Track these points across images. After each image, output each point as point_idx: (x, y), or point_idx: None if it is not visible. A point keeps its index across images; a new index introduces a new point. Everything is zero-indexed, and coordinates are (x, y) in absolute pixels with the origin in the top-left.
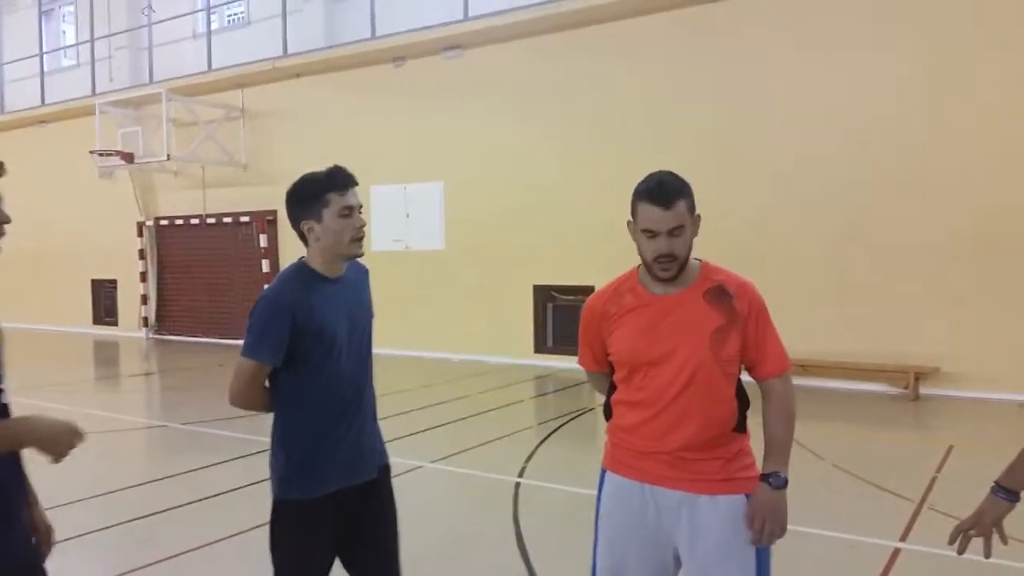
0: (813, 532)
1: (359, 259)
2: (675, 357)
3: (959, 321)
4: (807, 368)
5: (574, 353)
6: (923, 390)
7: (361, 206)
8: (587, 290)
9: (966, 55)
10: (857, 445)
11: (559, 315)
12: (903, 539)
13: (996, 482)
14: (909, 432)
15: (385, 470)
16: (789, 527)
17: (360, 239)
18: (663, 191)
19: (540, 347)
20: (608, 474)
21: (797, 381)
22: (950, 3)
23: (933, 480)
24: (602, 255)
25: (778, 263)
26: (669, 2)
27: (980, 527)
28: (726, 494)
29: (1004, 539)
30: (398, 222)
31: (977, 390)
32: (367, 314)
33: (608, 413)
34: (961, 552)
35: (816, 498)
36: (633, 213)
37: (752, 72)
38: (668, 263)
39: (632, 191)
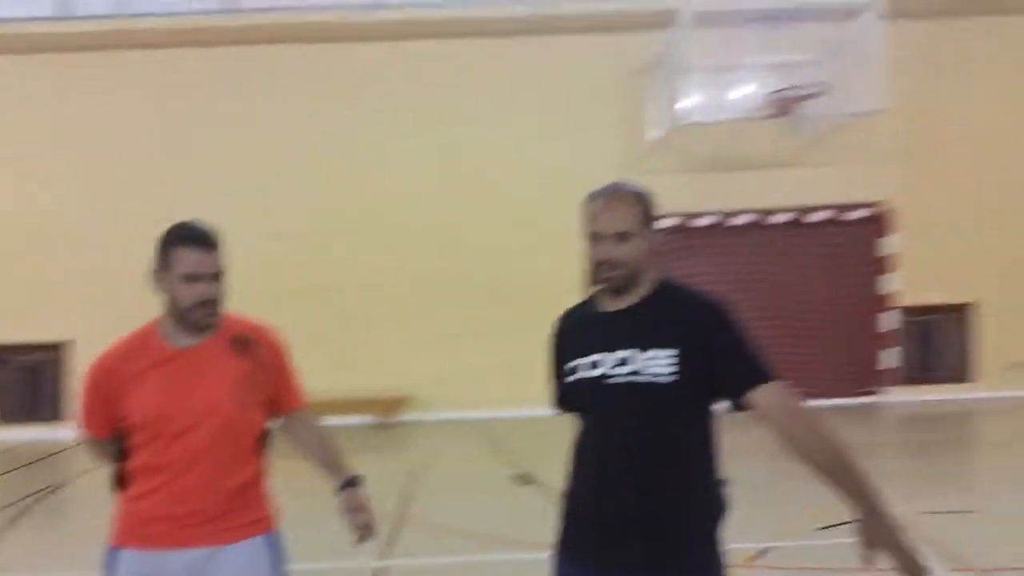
0: (309, 567)
1: None
2: (200, 411)
3: (427, 353)
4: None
5: (33, 421)
6: (398, 417)
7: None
8: (49, 347)
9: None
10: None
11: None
12: (385, 557)
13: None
14: (387, 455)
15: None
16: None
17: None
18: (206, 235)
19: None
20: (123, 552)
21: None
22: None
23: (409, 497)
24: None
25: (263, 301)
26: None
27: None
28: (247, 538)
29: None
30: None
31: (442, 413)
32: None
33: (120, 483)
34: None
35: (306, 531)
36: (168, 260)
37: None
38: (212, 308)
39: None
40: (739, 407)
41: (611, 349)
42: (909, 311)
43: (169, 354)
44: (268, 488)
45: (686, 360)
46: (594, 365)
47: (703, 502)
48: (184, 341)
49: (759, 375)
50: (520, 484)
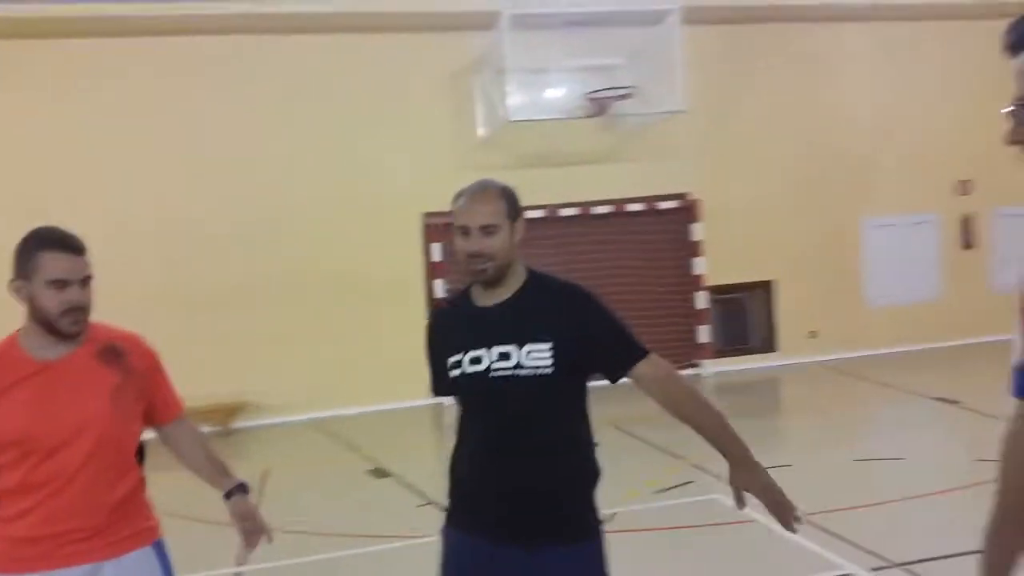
0: None
1: None
2: (74, 425)
3: (261, 357)
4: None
5: None
6: (237, 424)
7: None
8: None
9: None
10: (179, 485)
11: None
12: (241, 564)
13: None
14: (231, 464)
15: None
16: None
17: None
18: (72, 239)
19: None
20: None
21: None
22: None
23: (258, 503)
24: None
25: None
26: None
27: None
28: (135, 549)
29: None
30: None
31: (282, 416)
32: None
33: None
34: None
35: None
36: (32, 266)
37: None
38: (80, 315)
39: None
40: (614, 381)
41: (491, 344)
42: (717, 290)
43: (34, 368)
44: (148, 497)
45: (561, 350)
46: (477, 360)
47: (581, 472)
48: (49, 353)
49: (636, 352)
50: (376, 478)
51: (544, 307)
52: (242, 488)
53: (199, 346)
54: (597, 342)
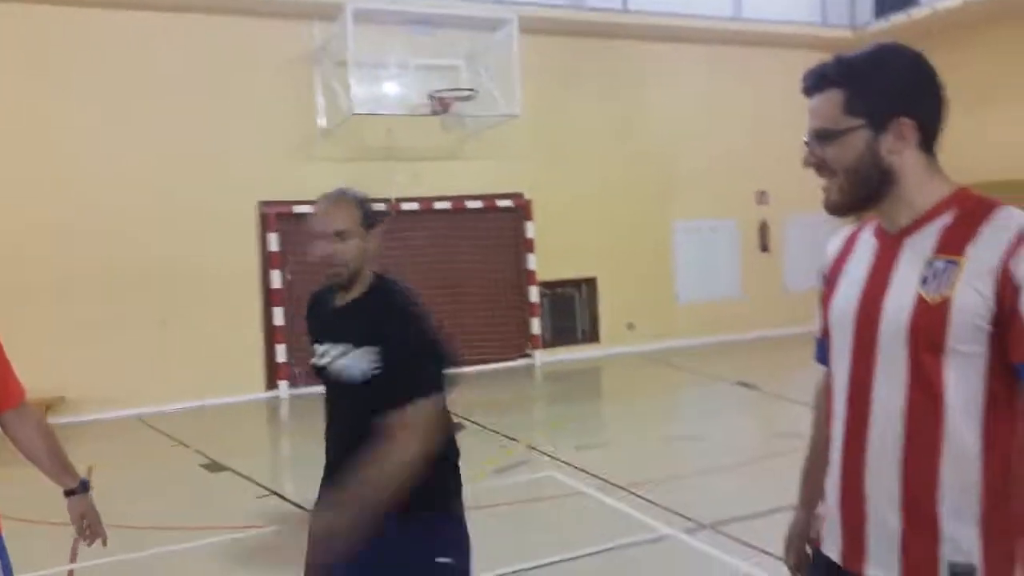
0: None
1: None
2: None
3: (80, 350)
4: None
5: None
6: (53, 419)
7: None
8: None
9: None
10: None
11: None
12: (73, 560)
13: None
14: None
15: None
16: None
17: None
18: None
19: None
20: None
21: None
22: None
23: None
24: None
25: None
26: None
27: None
28: None
29: None
30: None
31: (105, 411)
32: None
33: None
34: None
35: None
36: None
37: None
38: None
39: None
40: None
41: (335, 341)
42: (547, 285)
43: None
44: None
45: (385, 357)
46: (323, 354)
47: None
48: None
49: (412, 391)
50: (211, 472)
51: (375, 315)
52: (84, 487)
53: (14, 339)
54: (395, 362)
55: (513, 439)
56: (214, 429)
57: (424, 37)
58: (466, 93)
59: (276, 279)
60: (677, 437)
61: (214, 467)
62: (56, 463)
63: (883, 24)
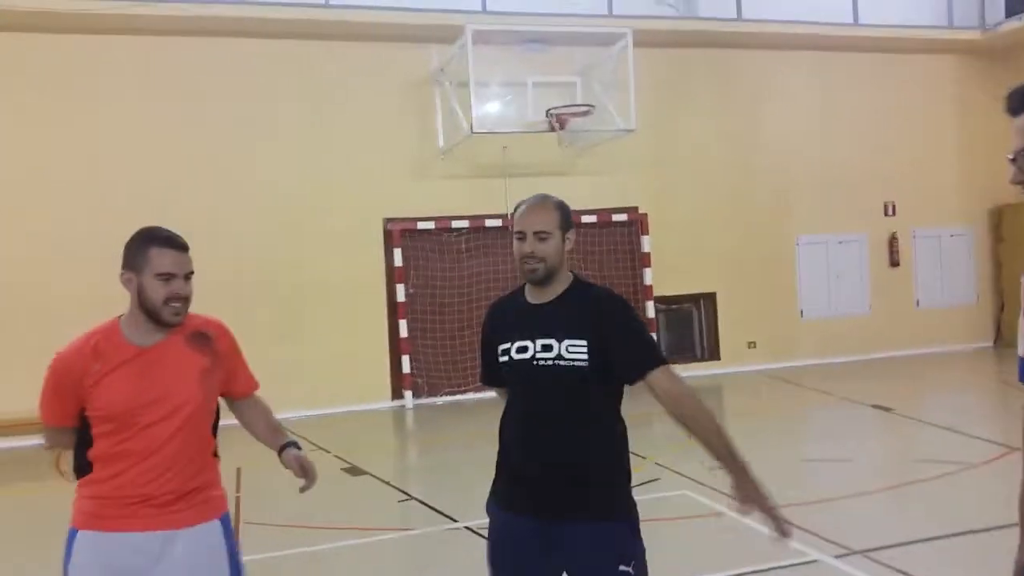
0: None
1: None
2: (168, 404)
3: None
4: None
5: None
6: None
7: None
8: None
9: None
10: None
11: None
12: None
13: None
14: None
15: None
16: None
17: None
18: (178, 237)
19: None
20: (83, 533)
21: None
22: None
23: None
24: None
25: None
26: None
27: None
28: (204, 521)
29: None
30: None
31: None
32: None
33: (85, 469)
34: None
35: None
36: (143, 259)
37: None
38: (182, 306)
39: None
40: (628, 383)
41: (536, 337)
42: (663, 300)
43: (134, 352)
44: (218, 473)
45: (594, 348)
46: (524, 349)
47: (607, 457)
48: (147, 339)
49: (651, 361)
50: (352, 475)
51: (583, 309)
52: (294, 444)
53: None
54: (618, 343)
55: (641, 456)
56: (348, 436)
57: (539, 55)
58: (584, 109)
59: (400, 292)
60: (816, 459)
61: (354, 471)
62: (271, 434)
63: (1016, 23)
